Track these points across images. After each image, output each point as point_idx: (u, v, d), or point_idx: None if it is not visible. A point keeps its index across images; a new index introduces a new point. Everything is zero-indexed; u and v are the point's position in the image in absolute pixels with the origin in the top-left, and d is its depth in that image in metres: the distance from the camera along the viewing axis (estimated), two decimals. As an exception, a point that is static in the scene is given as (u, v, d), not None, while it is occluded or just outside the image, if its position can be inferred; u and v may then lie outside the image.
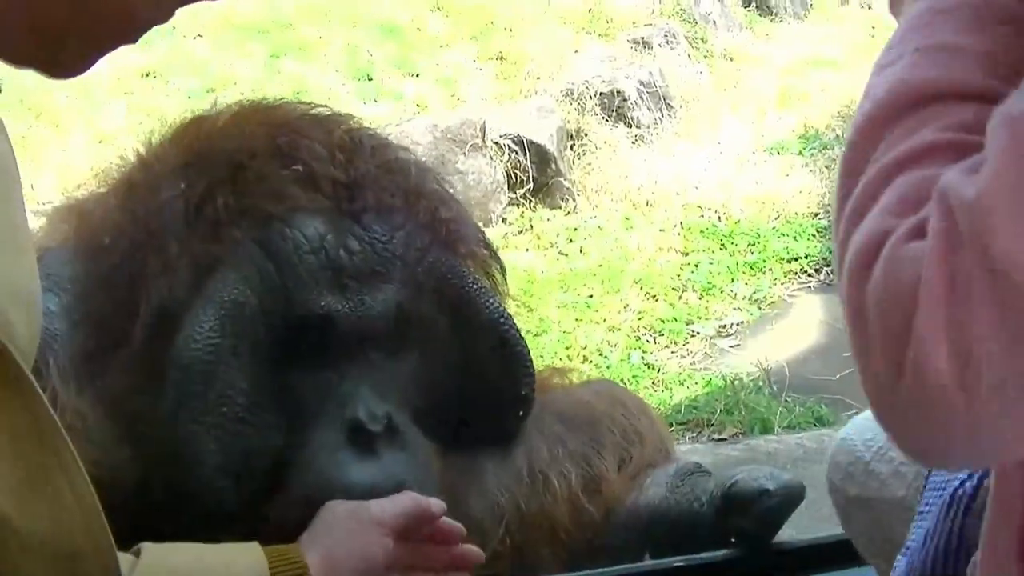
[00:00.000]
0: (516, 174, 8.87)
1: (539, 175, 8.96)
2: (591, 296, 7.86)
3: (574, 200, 9.01)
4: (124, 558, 1.79)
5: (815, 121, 10.36)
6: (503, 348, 2.49)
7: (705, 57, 11.41)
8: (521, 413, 2.53)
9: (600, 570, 2.39)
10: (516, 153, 8.88)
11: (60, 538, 1.37)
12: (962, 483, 1.48)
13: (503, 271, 2.63)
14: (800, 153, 9.81)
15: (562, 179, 9.02)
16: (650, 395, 6.61)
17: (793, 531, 2.48)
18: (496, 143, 8.87)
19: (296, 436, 2.27)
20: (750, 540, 2.38)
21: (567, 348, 7.23)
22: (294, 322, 2.29)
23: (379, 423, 2.24)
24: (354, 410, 2.25)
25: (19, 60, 1.22)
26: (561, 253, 8.45)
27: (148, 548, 1.81)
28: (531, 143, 8.94)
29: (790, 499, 2.35)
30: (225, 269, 2.28)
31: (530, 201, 8.91)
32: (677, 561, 2.36)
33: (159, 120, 2.55)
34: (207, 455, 2.22)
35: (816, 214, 8.78)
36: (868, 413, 2.08)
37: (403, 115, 9.32)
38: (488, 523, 2.45)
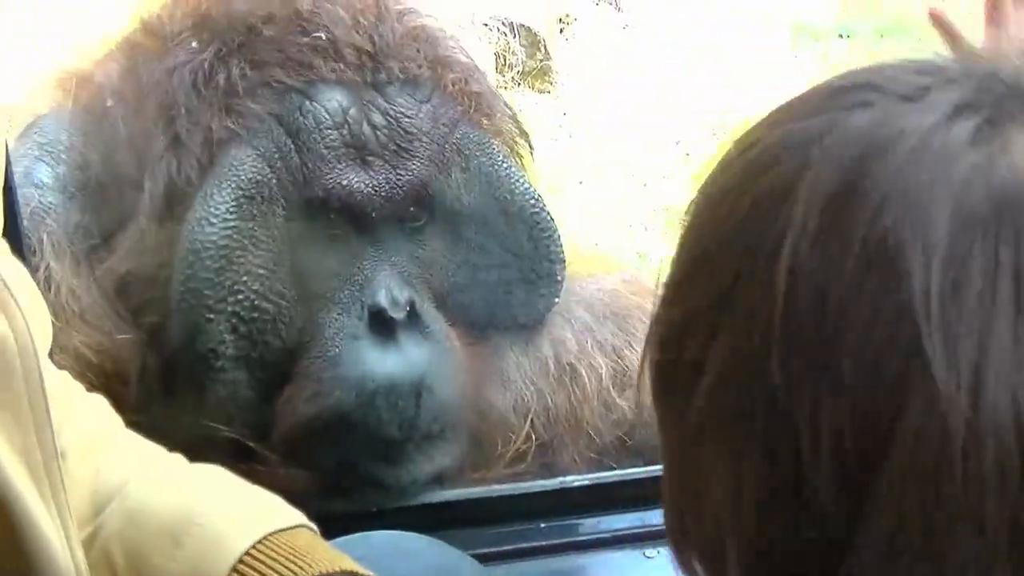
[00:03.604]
0: (504, 57, 8.67)
1: (528, 59, 8.76)
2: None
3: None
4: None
5: None
6: (534, 229, 2.34)
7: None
8: (551, 299, 2.38)
9: (631, 471, 2.26)
10: (505, 35, 8.67)
11: None
12: None
13: (532, 149, 2.47)
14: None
15: (550, 63, 8.83)
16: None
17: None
18: (485, 25, 8.67)
19: (313, 324, 2.15)
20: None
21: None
22: (314, 202, 2.17)
23: (401, 309, 2.13)
24: (375, 295, 2.14)
25: None
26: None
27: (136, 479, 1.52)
28: (520, 26, 8.73)
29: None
30: (241, 145, 2.14)
31: (518, 85, 8.72)
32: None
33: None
34: (221, 346, 2.09)
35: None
36: None
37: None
38: (513, 419, 2.32)
